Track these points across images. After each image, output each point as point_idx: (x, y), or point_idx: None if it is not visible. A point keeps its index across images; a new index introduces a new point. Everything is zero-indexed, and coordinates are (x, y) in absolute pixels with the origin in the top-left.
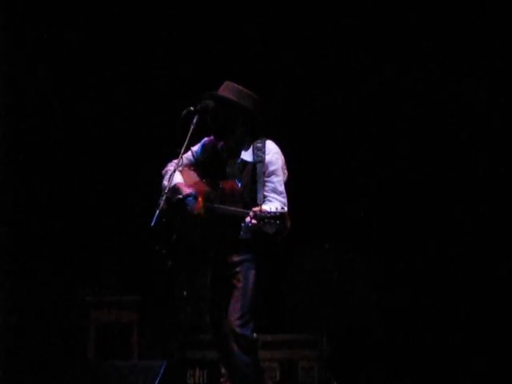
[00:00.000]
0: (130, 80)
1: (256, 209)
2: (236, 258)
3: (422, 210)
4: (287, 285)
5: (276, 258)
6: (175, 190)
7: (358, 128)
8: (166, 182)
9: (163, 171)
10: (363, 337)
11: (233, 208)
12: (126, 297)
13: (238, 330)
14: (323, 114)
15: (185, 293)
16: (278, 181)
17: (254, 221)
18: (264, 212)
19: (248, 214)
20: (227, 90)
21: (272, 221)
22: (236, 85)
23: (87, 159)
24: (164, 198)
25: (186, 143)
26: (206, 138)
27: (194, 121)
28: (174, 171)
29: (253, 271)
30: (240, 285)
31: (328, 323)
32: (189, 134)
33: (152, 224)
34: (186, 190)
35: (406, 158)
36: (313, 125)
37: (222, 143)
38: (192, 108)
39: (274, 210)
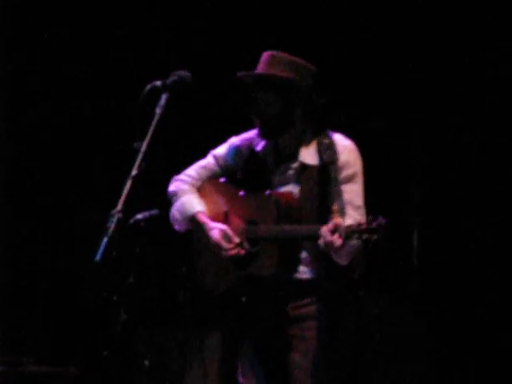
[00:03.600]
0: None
1: (337, 221)
2: (293, 306)
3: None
4: None
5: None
6: (194, 222)
7: None
8: (177, 212)
9: (170, 189)
10: None
11: (298, 226)
12: (57, 368)
13: None
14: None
15: (146, 363)
16: (355, 190)
17: (335, 238)
18: (350, 225)
19: (321, 231)
20: (272, 63)
21: (367, 235)
22: (283, 54)
23: None
24: (115, 218)
25: (150, 135)
26: (233, 138)
27: (163, 102)
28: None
29: (325, 324)
30: (307, 348)
31: None
32: (154, 122)
33: (97, 258)
34: (213, 227)
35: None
36: None
37: (265, 142)
38: (159, 83)
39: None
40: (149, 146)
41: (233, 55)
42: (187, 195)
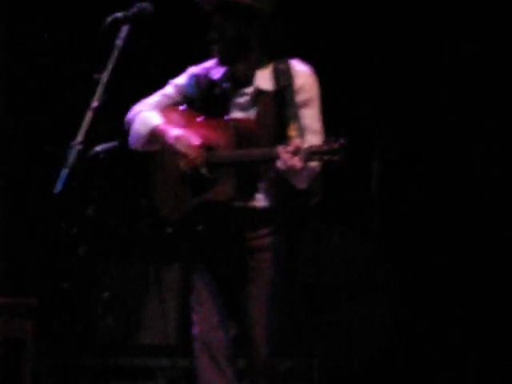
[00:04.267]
0: None
1: (296, 142)
2: (250, 237)
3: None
4: None
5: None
6: (154, 135)
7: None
8: (137, 126)
9: (128, 117)
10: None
11: (256, 149)
12: (17, 299)
13: (267, 360)
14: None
15: (106, 294)
16: (312, 115)
17: (295, 160)
18: (311, 146)
19: (280, 152)
20: None
21: (328, 156)
22: None
23: None
24: (75, 149)
25: (111, 67)
26: (192, 67)
27: (123, 34)
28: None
29: (282, 256)
30: (264, 281)
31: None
32: (115, 54)
33: (56, 190)
34: (174, 133)
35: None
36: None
37: (224, 70)
38: (120, 14)
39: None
40: (109, 77)
41: None
42: (148, 111)
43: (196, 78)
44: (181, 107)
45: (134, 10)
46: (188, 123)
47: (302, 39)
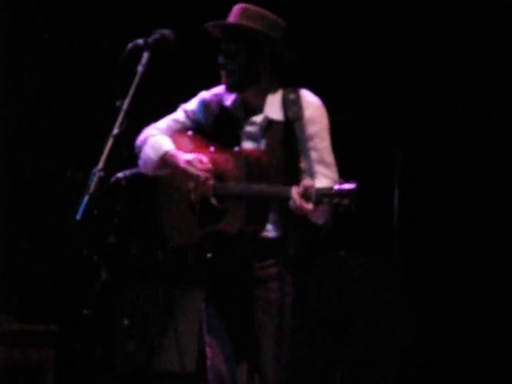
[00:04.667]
0: None
1: (307, 183)
2: (258, 266)
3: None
4: None
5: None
6: (165, 160)
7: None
8: (148, 151)
9: (139, 141)
10: None
11: (268, 186)
12: (37, 326)
13: None
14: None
15: (126, 321)
16: (324, 147)
17: (304, 202)
18: (322, 188)
19: (292, 194)
20: (241, 15)
21: (337, 199)
22: (254, 7)
23: None
24: (97, 176)
25: (132, 93)
26: (204, 92)
27: (144, 60)
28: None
29: (289, 287)
30: (270, 309)
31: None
32: (136, 80)
33: (78, 217)
34: (186, 157)
35: None
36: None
37: (234, 97)
38: (141, 41)
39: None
40: (130, 104)
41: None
42: (159, 136)
43: (207, 104)
44: (189, 132)
45: (156, 36)
46: (198, 150)
47: (313, 64)
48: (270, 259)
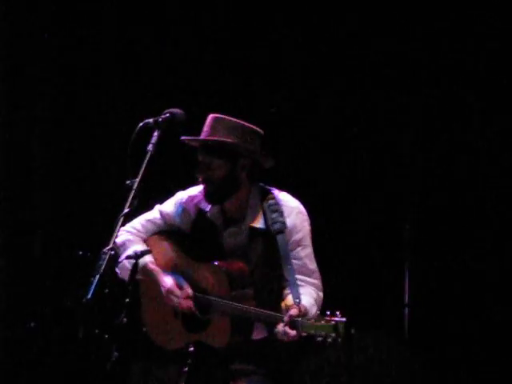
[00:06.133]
0: None
1: (293, 312)
2: (238, 367)
3: None
4: None
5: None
6: (143, 272)
7: None
8: (126, 261)
9: (119, 241)
10: None
11: (257, 310)
12: None
13: None
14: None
15: None
16: (306, 255)
17: (290, 332)
18: (309, 318)
19: (278, 325)
20: (218, 128)
21: (322, 336)
22: (228, 118)
23: None
24: (106, 257)
25: (141, 173)
26: (180, 194)
27: (154, 140)
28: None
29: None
30: None
31: None
32: (146, 159)
33: (88, 296)
34: (166, 284)
35: None
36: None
37: (213, 207)
38: (151, 120)
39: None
40: (141, 183)
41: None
42: (137, 245)
43: (184, 207)
44: (164, 237)
45: (167, 116)
46: (179, 260)
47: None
48: (254, 356)
